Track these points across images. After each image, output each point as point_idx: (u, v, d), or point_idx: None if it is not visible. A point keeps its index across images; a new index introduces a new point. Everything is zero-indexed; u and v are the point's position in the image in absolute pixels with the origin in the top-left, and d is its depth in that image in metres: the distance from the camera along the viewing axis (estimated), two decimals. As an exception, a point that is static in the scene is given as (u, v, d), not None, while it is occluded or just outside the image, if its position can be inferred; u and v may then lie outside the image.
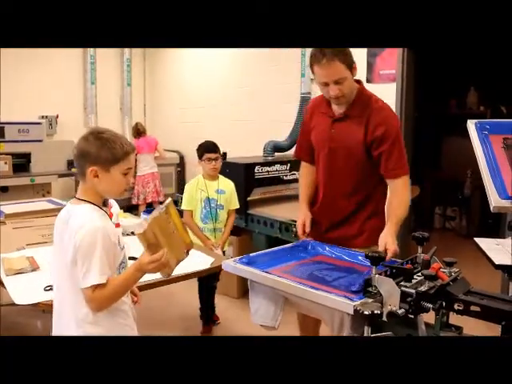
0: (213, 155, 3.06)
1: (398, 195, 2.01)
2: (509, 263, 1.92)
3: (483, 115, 5.45)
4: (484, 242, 2.20)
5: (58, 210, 3.26)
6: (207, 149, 3.08)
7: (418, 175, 2.26)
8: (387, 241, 1.84)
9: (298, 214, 2.19)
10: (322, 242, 2.02)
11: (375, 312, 1.15)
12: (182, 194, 4.77)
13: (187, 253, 1.61)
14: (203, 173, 3.15)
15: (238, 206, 3.22)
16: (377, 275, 1.33)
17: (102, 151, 1.44)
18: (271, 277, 1.57)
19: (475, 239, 2.26)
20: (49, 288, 1.83)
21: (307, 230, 2.09)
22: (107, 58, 7.02)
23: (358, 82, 2.08)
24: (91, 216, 1.44)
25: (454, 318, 1.34)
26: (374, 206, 2.11)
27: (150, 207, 5.83)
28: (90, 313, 1.43)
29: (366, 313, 1.15)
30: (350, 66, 1.93)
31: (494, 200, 1.73)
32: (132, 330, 1.55)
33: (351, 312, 1.24)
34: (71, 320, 1.46)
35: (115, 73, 7.17)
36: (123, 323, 1.52)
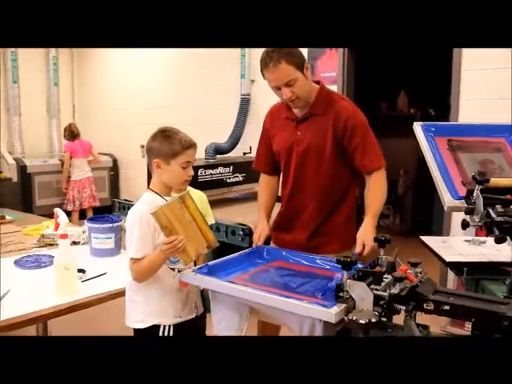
0: None
1: (374, 189, 2.00)
2: (457, 260, 1.99)
3: (413, 117, 5.72)
4: (431, 240, 2.26)
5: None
6: None
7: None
8: (364, 238, 1.85)
9: (257, 225, 2.16)
10: (294, 249, 1.95)
11: (372, 320, 1.13)
12: (116, 198, 4.54)
13: (209, 248, 1.75)
14: None
15: (213, 221, 2.51)
16: (349, 280, 1.32)
17: (163, 146, 1.69)
18: (236, 286, 1.50)
19: (421, 238, 2.31)
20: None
21: (260, 243, 2.05)
22: (31, 55, 6.60)
23: (318, 82, 2.06)
24: (142, 203, 1.71)
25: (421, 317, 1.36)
26: (347, 210, 2.10)
27: (83, 214, 5.52)
28: (134, 282, 1.71)
29: (362, 322, 1.12)
30: (300, 66, 1.88)
31: (447, 200, 1.78)
32: (168, 308, 1.73)
33: (333, 321, 1.21)
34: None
35: (40, 72, 6.76)
36: (156, 300, 1.72)
